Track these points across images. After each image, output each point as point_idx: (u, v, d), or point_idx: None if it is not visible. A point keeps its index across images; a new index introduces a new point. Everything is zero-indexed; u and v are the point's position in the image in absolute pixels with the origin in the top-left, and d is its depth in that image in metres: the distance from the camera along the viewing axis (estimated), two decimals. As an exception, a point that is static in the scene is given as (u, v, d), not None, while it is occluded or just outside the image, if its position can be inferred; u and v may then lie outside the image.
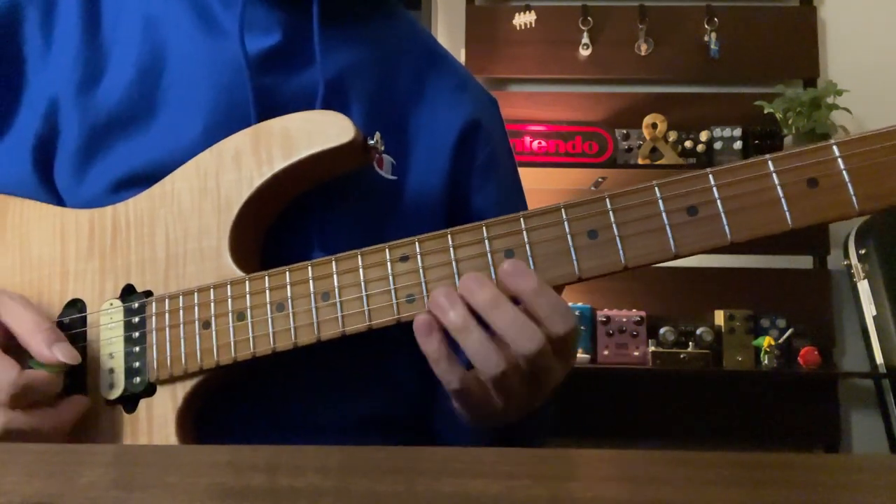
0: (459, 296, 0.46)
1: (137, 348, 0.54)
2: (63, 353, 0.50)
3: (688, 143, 2.40)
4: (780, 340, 2.28)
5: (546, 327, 0.45)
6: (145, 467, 0.31)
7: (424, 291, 0.49)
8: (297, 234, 0.59)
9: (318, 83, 0.60)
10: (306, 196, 0.59)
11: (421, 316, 0.47)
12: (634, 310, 2.35)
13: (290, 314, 0.51)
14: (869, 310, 2.28)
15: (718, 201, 0.45)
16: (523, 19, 2.54)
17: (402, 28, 0.72)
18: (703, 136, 2.40)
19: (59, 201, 0.61)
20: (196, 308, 0.53)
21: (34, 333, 0.51)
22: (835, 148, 0.44)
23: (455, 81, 0.72)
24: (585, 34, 2.54)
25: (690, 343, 2.30)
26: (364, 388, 0.61)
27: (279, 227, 0.59)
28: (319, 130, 0.54)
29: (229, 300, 0.53)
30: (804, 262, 2.47)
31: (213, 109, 0.59)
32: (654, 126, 2.37)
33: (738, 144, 2.39)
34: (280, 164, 0.55)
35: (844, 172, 0.43)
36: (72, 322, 0.57)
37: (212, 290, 0.53)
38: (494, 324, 0.45)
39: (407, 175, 0.64)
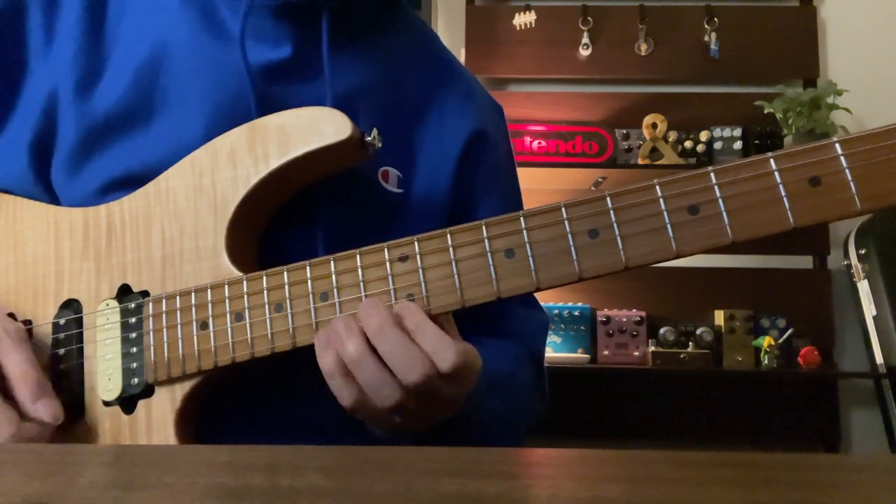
0: (358, 327, 0.47)
1: (135, 349, 0.54)
2: (45, 412, 0.51)
3: (688, 143, 2.40)
4: (780, 340, 2.27)
5: (434, 362, 0.46)
6: (144, 467, 0.31)
7: (424, 291, 0.48)
8: (302, 249, 0.58)
9: (325, 96, 0.60)
10: (311, 210, 0.59)
11: (322, 332, 0.49)
12: (634, 310, 2.35)
13: (289, 315, 0.51)
14: (869, 310, 2.27)
15: (720, 200, 0.45)
16: (523, 19, 2.54)
17: (411, 36, 0.72)
18: (703, 136, 2.40)
19: (54, 199, 0.60)
20: (193, 309, 0.53)
21: (22, 384, 0.51)
22: (837, 146, 0.43)
23: (462, 90, 0.71)
24: (585, 34, 2.53)
25: (690, 343, 2.30)
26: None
27: (284, 240, 0.58)
28: (315, 127, 0.53)
29: (227, 301, 0.52)
30: (804, 262, 2.47)
31: (215, 113, 0.58)
32: (654, 126, 2.37)
33: (738, 144, 2.39)
34: (276, 162, 0.54)
35: (847, 171, 0.43)
36: (67, 323, 0.56)
37: (209, 290, 0.53)
38: (380, 350, 0.47)
39: (413, 187, 0.64)
